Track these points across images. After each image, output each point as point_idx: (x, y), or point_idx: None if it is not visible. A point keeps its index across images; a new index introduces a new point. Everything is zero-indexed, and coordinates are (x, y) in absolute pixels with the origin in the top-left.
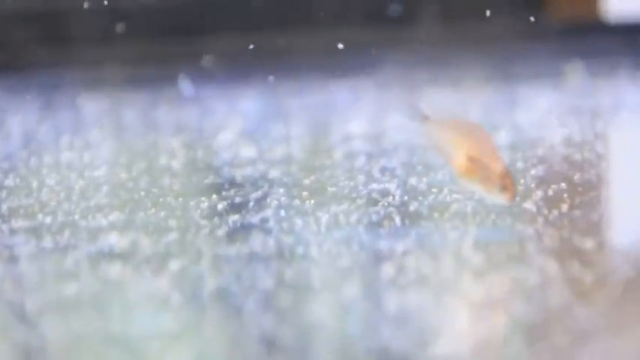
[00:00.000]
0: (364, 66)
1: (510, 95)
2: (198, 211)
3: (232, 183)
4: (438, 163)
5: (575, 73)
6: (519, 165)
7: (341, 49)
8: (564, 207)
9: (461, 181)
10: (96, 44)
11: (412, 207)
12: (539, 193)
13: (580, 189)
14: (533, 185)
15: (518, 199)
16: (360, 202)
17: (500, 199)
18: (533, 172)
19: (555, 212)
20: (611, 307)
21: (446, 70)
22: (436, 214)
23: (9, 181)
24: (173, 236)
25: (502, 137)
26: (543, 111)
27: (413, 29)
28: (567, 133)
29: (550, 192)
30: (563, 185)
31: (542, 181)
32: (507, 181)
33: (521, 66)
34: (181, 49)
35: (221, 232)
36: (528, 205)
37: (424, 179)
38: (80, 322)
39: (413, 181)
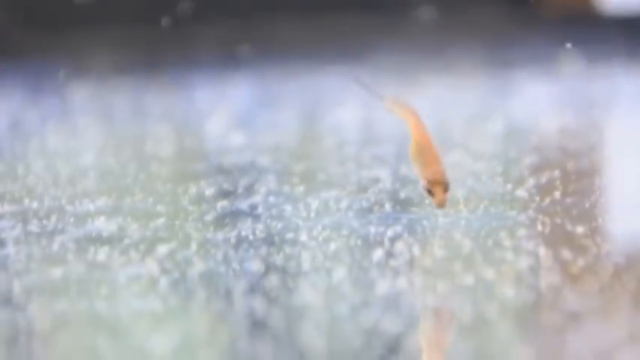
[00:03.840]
0: (356, 52)
1: (505, 83)
2: (187, 197)
3: (220, 170)
4: None
5: (571, 61)
6: (512, 153)
7: (333, 36)
8: (557, 194)
9: (411, 160)
10: (83, 30)
11: (403, 194)
12: (531, 181)
13: (573, 177)
14: (526, 173)
15: (448, 207)
16: (350, 188)
17: (431, 199)
18: (526, 159)
19: (548, 200)
20: (601, 291)
21: (440, 56)
22: (427, 201)
23: None
24: (161, 221)
25: (496, 125)
26: (538, 99)
27: (407, 16)
28: (561, 121)
29: (543, 179)
30: (557, 173)
31: (536, 169)
32: (436, 189)
33: (516, 53)
34: (170, 36)
35: (209, 217)
36: (521, 192)
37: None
38: (67, 305)
39: (404, 168)
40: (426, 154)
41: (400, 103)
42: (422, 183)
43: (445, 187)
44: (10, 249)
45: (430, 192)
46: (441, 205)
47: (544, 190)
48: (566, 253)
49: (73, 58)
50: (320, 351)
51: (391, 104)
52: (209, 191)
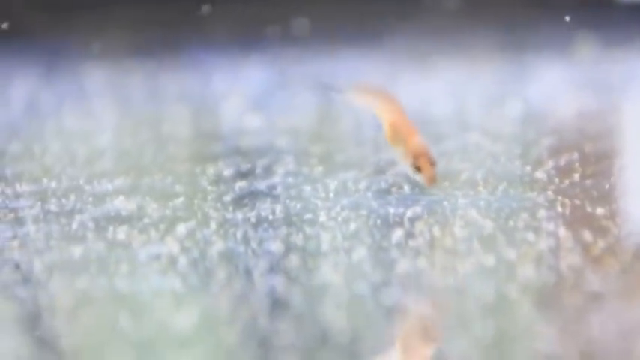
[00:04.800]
0: (373, 36)
1: (521, 66)
2: (205, 178)
3: (238, 151)
4: (450, 132)
5: (587, 44)
6: (531, 135)
7: (350, 19)
8: (576, 176)
9: (390, 145)
10: (98, 10)
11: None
12: (550, 163)
13: (592, 159)
14: (545, 155)
15: (442, 182)
16: (368, 170)
17: (418, 178)
18: (545, 142)
19: (567, 181)
20: (622, 272)
21: (456, 40)
22: (446, 183)
23: (12, 147)
24: (180, 201)
25: (513, 108)
26: (554, 82)
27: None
28: (578, 104)
29: (562, 162)
30: (575, 155)
31: (554, 151)
32: (422, 162)
33: (532, 37)
34: (185, 16)
35: (228, 197)
36: (540, 174)
37: (433, 149)
38: (88, 283)
39: None
40: (404, 131)
41: (369, 89)
42: (407, 162)
43: (431, 161)
44: (30, 227)
45: (418, 168)
46: (432, 181)
47: (563, 172)
48: (587, 235)
49: (89, 39)
50: (339, 330)
51: (358, 93)
52: (227, 172)
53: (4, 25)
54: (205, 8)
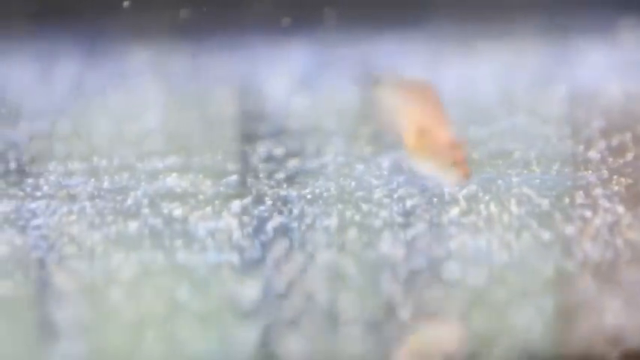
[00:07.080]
0: (415, 18)
1: (566, 48)
2: (256, 156)
3: (285, 132)
4: (499, 113)
5: (631, 27)
6: (580, 117)
7: (392, 0)
8: (629, 156)
9: (412, 158)
10: None
11: (473, 155)
12: (602, 143)
13: None
14: (596, 135)
15: (471, 178)
16: None
17: (452, 176)
18: (595, 123)
19: (620, 161)
20: None
21: (498, 21)
22: (499, 162)
23: (59, 127)
24: (233, 179)
25: (560, 90)
26: (600, 65)
27: None
28: (626, 86)
29: (614, 142)
30: (628, 136)
31: (605, 132)
32: (458, 154)
33: (578, 19)
34: None
35: (281, 175)
36: (593, 153)
37: (484, 128)
38: (144, 257)
39: (472, 130)
40: (434, 130)
41: (405, 80)
42: (440, 159)
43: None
44: (85, 203)
45: (453, 163)
46: (467, 175)
47: (616, 152)
48: None
49: (132, 18)
50: (396, 305)
51: (391, 85)
52: (277, 150)
53: (126, 3)
54: None
